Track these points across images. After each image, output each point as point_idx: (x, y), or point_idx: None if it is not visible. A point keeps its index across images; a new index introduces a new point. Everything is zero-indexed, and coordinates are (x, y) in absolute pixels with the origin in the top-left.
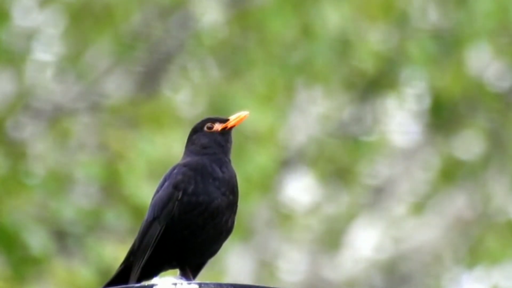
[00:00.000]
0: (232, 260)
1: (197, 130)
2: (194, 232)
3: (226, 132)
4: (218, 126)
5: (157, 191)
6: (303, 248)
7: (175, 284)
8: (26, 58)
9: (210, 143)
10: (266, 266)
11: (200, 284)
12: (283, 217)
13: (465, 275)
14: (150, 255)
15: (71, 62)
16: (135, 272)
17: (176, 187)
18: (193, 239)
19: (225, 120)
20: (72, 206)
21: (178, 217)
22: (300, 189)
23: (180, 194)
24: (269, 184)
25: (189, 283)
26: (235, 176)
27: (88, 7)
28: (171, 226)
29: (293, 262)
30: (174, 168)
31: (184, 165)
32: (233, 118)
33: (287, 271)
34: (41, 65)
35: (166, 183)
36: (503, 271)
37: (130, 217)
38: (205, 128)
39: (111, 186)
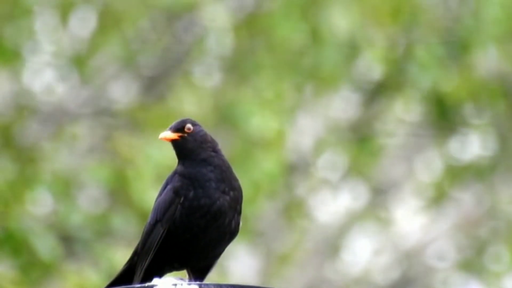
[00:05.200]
0: (237, 261)
1: None
2: (197, 235)
3: (174, 142)
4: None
5: (160, 194)
6: (307, 249)
7: (175, 284)
8: (31, 61)
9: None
10: (272, 267)
11: (200, 285)
12: (290, 218)
13: (471, 277)
14: (154, 257)
15: (77, 66)
16: (138, 274)
17: (177, 193)
18: (196, 241)
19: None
20: (80, 211)
21: (180, 220)
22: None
23: (182, 199)
24: (276, 189)
25: (189, 284)
26: (227, 167)
27: (95, 12)
28: (173, 229)
29: (297, 263)
30: (175, 173)
31: (179, 173)
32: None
33: (292, 272)
34: (47, 69)
35: (168, 187)
36: (509, 273)
37: (137, 221)
38: None
39: (119, 191)
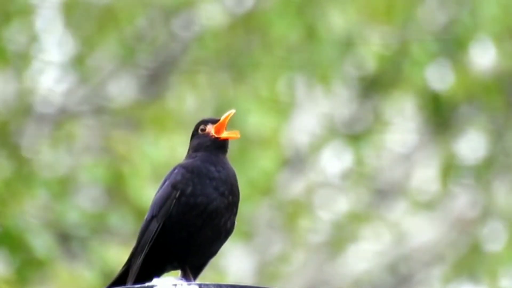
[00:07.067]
0: (234, 261)
1: (193, 133)
2: (193, 233)
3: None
4: (210, 128)
5: (158, 191)
6: (306, 249)
7: (175, 285)
8: (29, 60)
9: (201, 146)
10: (268, 267)
11: (200, 285)
12: (287, 218)
13: (467, 275)
14: (150, 255)
15: (75, 65)
16: (133, 270)
17: (174, 186)
18: (191, 239)
19: (216, 121)
20: (76, 209)
21: (176, 217)
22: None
23: (178, 193)
24: (272, 187)
25: (189, 284)
26: (233, 175)
27: (92, 10)
28: (169, 226)
29: (296, 263)
30: (174, 169)
31: (183, 166)
32: (222, 119)
33: (290, 272)
34: (45, 68)
35: (166, 183)
36: (505, 271)
37: (134, 219)
38: (199, 131)
39: (115, 189)
